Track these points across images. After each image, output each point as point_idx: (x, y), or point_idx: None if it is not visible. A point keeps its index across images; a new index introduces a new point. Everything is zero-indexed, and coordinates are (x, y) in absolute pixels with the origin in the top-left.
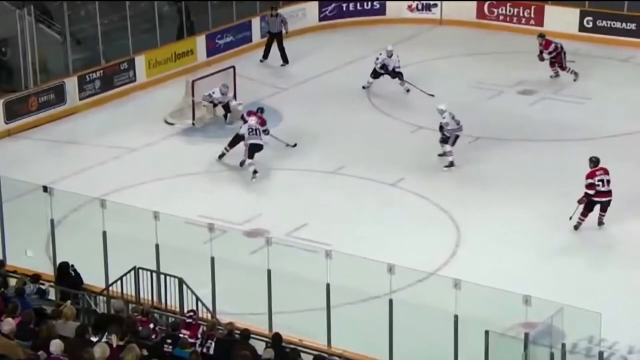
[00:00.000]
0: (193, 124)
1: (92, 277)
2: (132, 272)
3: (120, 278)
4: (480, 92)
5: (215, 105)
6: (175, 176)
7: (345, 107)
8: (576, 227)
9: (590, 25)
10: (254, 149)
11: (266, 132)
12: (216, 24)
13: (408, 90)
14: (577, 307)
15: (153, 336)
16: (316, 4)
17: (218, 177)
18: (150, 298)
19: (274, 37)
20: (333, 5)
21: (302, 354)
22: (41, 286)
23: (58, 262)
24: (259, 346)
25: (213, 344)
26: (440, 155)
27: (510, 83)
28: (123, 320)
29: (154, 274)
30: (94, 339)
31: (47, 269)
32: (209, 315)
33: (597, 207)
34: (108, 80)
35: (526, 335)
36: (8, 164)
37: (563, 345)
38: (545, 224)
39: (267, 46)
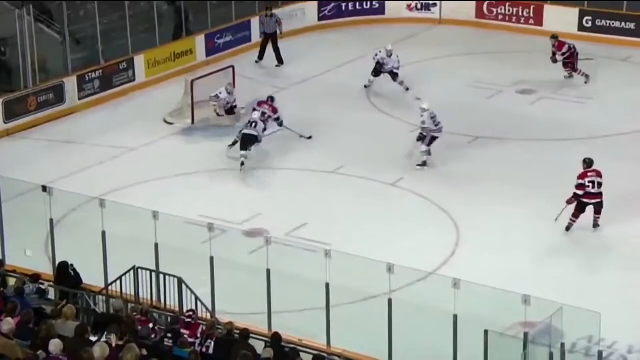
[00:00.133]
0: (192, 123)
1: (92, 277)
2: (132, 271)
3: (120, 278)
4: (480, 92)
5: (227, 106)
6: (174, 176)
7: (345, 106)
8: (567, 229)
9: (590, 24)
10: (247, 140)
11: (280, 123)
12: (215, 23)
13: (407, 89)
14: (576, 307)
15: (152, 336)
16: (315, 3)
17: (217, 177)
18: (149, 298)
19: (269, 38)
20: (332, 4)
21: (302, 354)
22: (41, 286)
23: (57, 261)
24: (259, 346)
25: (212, 343)
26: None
27: (509, 82)
28: (122, 319)
29: (154, 274)
30: (94, 339)
31: (46, 269)
32: (209, 314)
33: (591, 210)
34: (107, 80)
35: (525, 334)
36: (7, 163)
37: (562, 344)
38: (544, 223)
39: (262, 47)
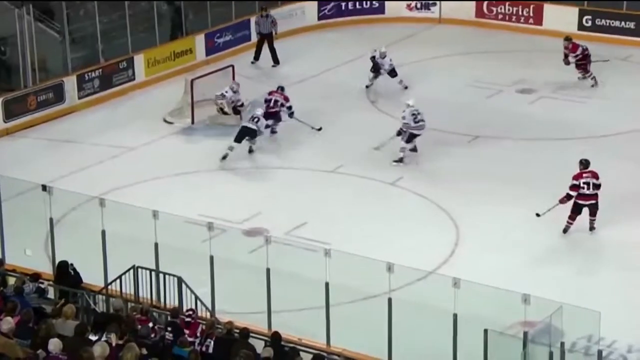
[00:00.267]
0: (192, 122)
1: (91, 276)
2: (131, 271)
3: (120, 277)
4: (479, 91)
5: (236, 105)
6: (174, 175)
7: (344, 105)
8: (565, 231)
9: (590, 24)
10: (243, 133)
11: (291, 113)
12: (215, 22)
13: (406, 87)
14: (576, 306)
15: (152, 335)
16: (315, 2)
17: (217, 176)
18: (149, 297)
19: (265, 38)
20: (332, 4)
21: (301, 353)
22: (40, 285)
23: (57, 261)
24: (258, 345)
25: (212, 342)
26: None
27: (509, 82)
28: (122, 319)
29: (153, 273)
30: (94, 338)
31: (46, 268)
32: (208, 314)
33: (587, 212)
34: (107, 79)
35: (525, 334)
36: (7, 163)
37: (562, 344)
38: (544, 223)
39: (258, 47)
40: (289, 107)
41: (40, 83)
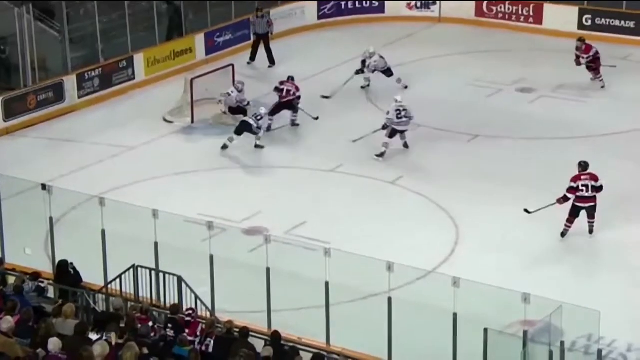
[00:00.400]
0: (192, 122)
1: (91, 275)
2: (131, 270)
3: (120, 276)
4: (479, 90)
5: (236, 104)
6: (174, 174)
7: (344, 104)
8: (563, 235)
9: (589, 23)
10: (242, 127)
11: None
12: (215, 22)
13: (406, 87)
14: (576, 305)
15: (152, 334)
16: (315, 2)
17: (217, 175)
18: (149, 296)
19: (261, 39)
20: (332, 3)
21: (301, 352)
22: (40, 284)
23: (57, 260)
24: (258, 344)
25: (212, 342)
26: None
27: (509, 81)
28: (122, 318)
29: (153, 272)
30: (93, 337)
31: (46, 267)
32: (208, 313)
33: (584, 215)
34: (107, 78)
35: (525, 333)
36: (7, 162)
37: (562, 343)
38: (544, 222)
39: (254, 48)
40: (299, 97)
41: (40, 82)
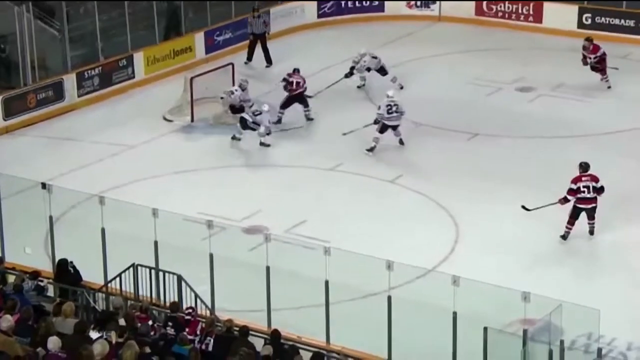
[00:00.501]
0: (192, 120)
1: (91, 274)
2: (131, 269)
3: (119, 275)
4: (479, 89)
5: (239, 103)
6: (174, 173)
7: (344, 103)
8: (564, 237)
9: (589, 22)
10: (240, 123)
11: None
12: (215, 21)
13: (401, 87)
14: (575, 304)
15: (152, 333)
16: (315, 1)
17: (217, 174)
18: (149, 295)
19: (257, 39)
20: (331, 2)
21: (301, 351)
22: (40, 283)
23: (57, 259)
24: (258, 343)
25: (212, 340)
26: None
27: (508, 80)
28: (122, 316)
29: (153, 271)
30: (93, 336)
31: (46, 266)
32: (208, 312)
33: (584, 216)
34: (106, 77)
35: (525, 331)
36: (6, 161)
37: (562, 341)
38: (544, 221)
39: (251, 48)
40: (305, 89)
41: (40, 81)
